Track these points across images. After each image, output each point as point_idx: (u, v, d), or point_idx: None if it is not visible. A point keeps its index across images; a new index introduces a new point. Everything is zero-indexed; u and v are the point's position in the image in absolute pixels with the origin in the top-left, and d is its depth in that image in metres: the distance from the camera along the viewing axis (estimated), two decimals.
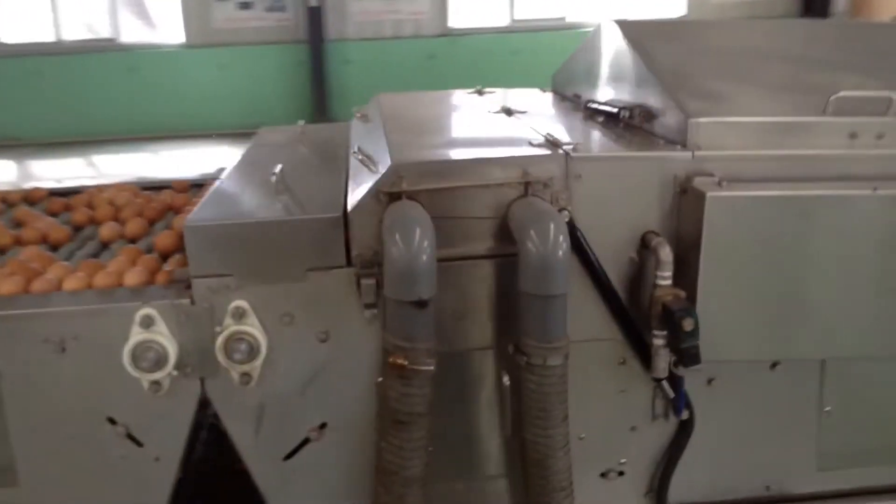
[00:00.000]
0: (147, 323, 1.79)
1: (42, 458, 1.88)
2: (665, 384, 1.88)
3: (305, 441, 1.92)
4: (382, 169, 1.83)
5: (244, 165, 2.41)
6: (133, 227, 2.62)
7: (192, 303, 1.81)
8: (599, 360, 1.92)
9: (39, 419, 1.86)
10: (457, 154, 1.92)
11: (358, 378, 1.89)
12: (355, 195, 1.85)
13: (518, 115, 2.46)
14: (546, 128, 2.13)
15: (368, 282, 1.81)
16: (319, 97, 12.80)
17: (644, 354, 1.88)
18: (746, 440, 2.03)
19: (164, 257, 2.25)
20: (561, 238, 1.66)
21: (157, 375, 1.80)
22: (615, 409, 1.96)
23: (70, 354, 1.81)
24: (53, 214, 2.91)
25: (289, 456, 1.93)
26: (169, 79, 12.51)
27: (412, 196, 1.78)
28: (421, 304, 1.65)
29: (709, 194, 1.71)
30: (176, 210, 2.91)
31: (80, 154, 11.17)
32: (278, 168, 2.07)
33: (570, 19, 12.95)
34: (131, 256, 2.23)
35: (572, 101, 2.76)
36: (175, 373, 1.81)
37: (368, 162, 1.97)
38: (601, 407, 1.96)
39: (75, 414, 1.85)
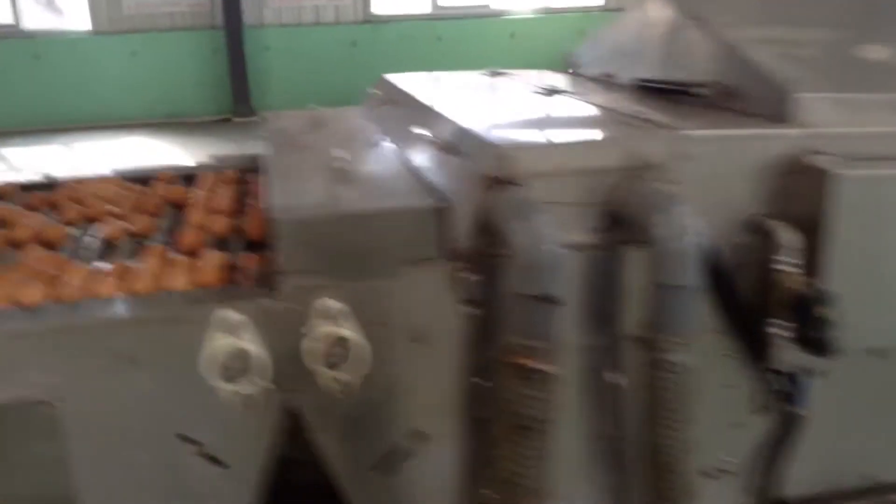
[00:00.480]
0: (229, 328, 1.60)
1: (108, 488, 1.67)
2: (777, 377, 1.79)
3: (397, 450, 1.77)
4: (478, 154, 1.69)
5: (283, 154, 2.22)
6: (140, 223, 2.40)
7: (279, 304, 1.63)
8: (702, 354, 1.83)
9: (106, 444, 1.65)
10: (558, 137, 1.79)
11: (454, 381, 1.74)
12: (446, 182, 1.71)
13: (564, 95, 2.34)
14: (611, 107, 2.03)
15: (466, 276, 1.67)
16: (240, 86, 12.39)
17: (753, 346, 1.79)
18: (853, 431, 1.97)
19: (187, 255, 2.07)
20: (691, 223, 1.56)
21: (241, 386, 1.61)
22: (718, 404, 1.87)
23: (142, 367, 1.60)
24: (34, 210, 2.65)
25: (378, 466, 1.77)
26: (77, 67, 11.90)
27: (515, 182, 1.65)
28: (550, 299, 1.52)
29: (835, 173, 1.63)
30: (177, 204, 2.68)
31: None
32: (340, 154, 1.91)
33: (494, 6, 12.88)
34: (160, 256, 2.03)
35: (602, 80, 2.67)
36: (260, 382, 1.62)
37: (448, 146, 1.82)
38: (703, 402, 1.86)
39: (147, 435, 1.65)
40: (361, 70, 12.55)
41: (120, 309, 1.65)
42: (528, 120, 2.09)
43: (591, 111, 2.06)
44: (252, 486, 1.73)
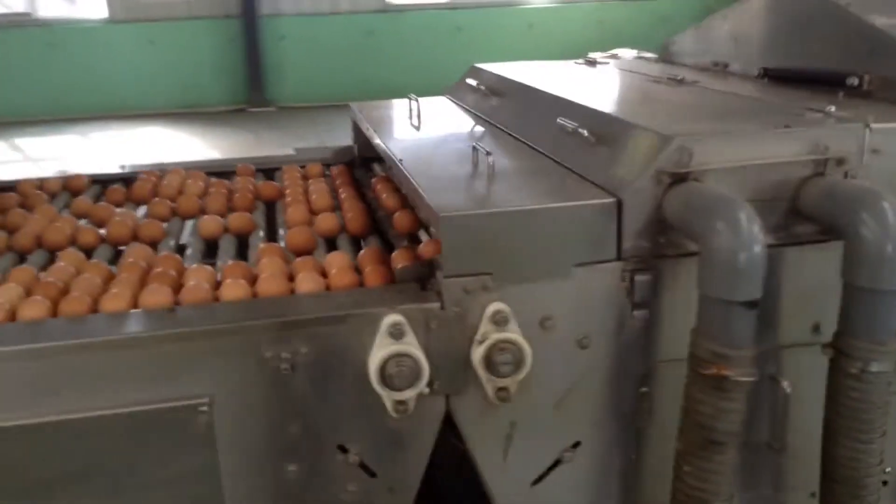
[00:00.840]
0: (397, 333, 1.50)
1: (255, 499, 1.56)
2: None
3: (556, 462, 1.66)
4: (644, 146, 1.58)
5: (407, 147, 2.10)
6: (239, 221, 2.29)
7: (443, 307, 1.53)
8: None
9: (255, 454, 1.54)
10: (739, 128, 1.68)
11: (619, 390, 1.64)
12: (605, 177, 1.60)
13: (691, 85, 2.24)
14: (760, 97, 1.92)
15: (643, 278, 1.56)
16: (254, 75, 12.27)
17: None
18: None
19: (298, 254, 1.96)
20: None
21: (407, 394, 1.51)
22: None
23: (300, 372, 1.50)
24: (117, 205, 2.53)
25: (538, 480, 1.66)
26: (92, 56, 11.76)
27: (698, 177, 1.54)
28: (751, 304, 1.41)
29: None
30: (266, 199, 2.58)
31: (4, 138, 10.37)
32: (479, 146, 1.80)
33: None
34: (279, 255, 1.92)
35: (712, 70, 2.56)
36: (426, 390, 1.52)
37: (604, 138, 1.71)
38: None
39: (301, 444, 1.55)
40: (378, 60, 12.44)
41: (265, 311, 1.54)
42: (685, 110, 1.97)
43: (745, 101, 1.95)
44: (409, 496, 1.62)
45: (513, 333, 1.52)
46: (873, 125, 1.59)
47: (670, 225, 1.54)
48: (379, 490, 1.60)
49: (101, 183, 2.75)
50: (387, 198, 2.16)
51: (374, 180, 2.38)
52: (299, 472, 1.56)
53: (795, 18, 2.21)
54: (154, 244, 2.18)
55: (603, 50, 11.85)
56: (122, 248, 2.11)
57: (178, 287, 1.72)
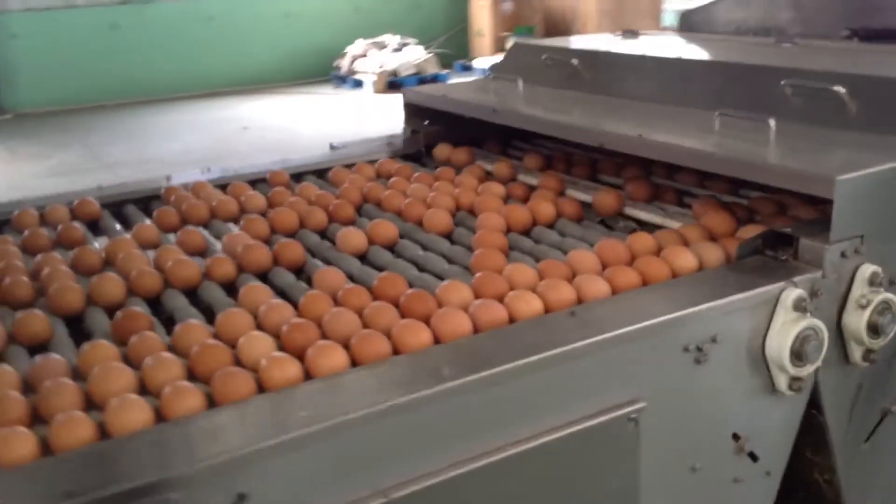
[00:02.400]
0: (802, 306, 1.44)
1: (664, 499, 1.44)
2: None
3: (884, 416, 1.69)
4: None
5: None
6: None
7: (824, 275, 1.49)
8: None
9: (673, 453, 1.42)
10: None
11: None
12: None
13: (797, 47, 2.34)
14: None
15: None
16: None
17: None
18: None
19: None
20: None
21: (810, 369, 1.46)
22: None
23: (708, 362, 1.39)
24: None
25: (869, 437, 1.68)
26: None
27: None
28: None
29: None
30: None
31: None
32: (729, 113, 1.77)
33: None
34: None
35: (760, 35, 2.69)
36: (820, 364, 1.48)
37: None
38: None
39: (701, 438, 1.44)
40: (125, 56, 11.50)
41: (677, 300, 1.41)
42: None
43: None
44: (779, 478, 1.57)
45: (891, 294, 1.52)
46: None
47: None
48: (757, 475, 1.53)
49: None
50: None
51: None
52: (696, 470, 1.46)
53: None
54: None
55: (365, 36, 12.07)
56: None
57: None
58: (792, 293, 1.43)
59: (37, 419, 1.13)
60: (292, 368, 1.20)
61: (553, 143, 2.47)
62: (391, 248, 1.87)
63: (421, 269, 1.72)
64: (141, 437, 1.06)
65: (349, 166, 2.40)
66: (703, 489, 1.48)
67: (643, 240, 1.67)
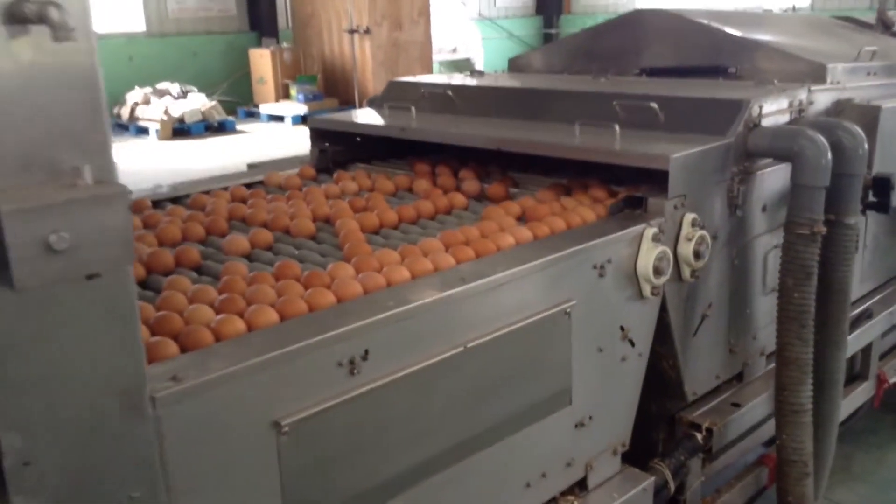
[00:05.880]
0: (658, 238, 2.25)
1: (585, 374, 2.17)
2: None
3: (703, 318, 2.54)
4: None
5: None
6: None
7: (665, 220, 2.31)
8: None
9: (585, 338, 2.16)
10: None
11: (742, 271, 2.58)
12: None
13: (611, 80, 3.24)
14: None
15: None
16: None
17: None
18: None
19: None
20: None
21: (662, 280, 2.27)
22: None
23: (606, 276, 2.16)
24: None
25: (695, 332, 2.52)
26: None
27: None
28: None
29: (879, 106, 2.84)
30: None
31: None
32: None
33: None
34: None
35: (572, 75, 3.59)
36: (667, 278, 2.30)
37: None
38: None
39: (603, 328, 2.19)
40: None
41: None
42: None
43: (693, 83, 3.01)
44: (645, 359, 2.36)
45: (705, 231, 2.38)
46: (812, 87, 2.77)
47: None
48: (635, 356, 2.31)
49: None
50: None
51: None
52: (603, 354, 2.21)
53: (661, 34, 3.33)
54: None
55: (141, 85, 12.18)
56: None
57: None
58: (650, 230, 2.23)
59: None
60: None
61: (431, 157, 3.17)
62: (269, 249, 2.29)
63: (301, 261, 2.14)
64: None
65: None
66: (605, 364, 2.23)
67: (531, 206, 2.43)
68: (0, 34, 1.11)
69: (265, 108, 13.94)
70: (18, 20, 1.10)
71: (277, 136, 12.51)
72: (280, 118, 13.67)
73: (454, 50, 16.80)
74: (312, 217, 2.48)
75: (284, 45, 14.70)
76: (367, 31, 13.56)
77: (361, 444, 1.68)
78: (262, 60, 14.20)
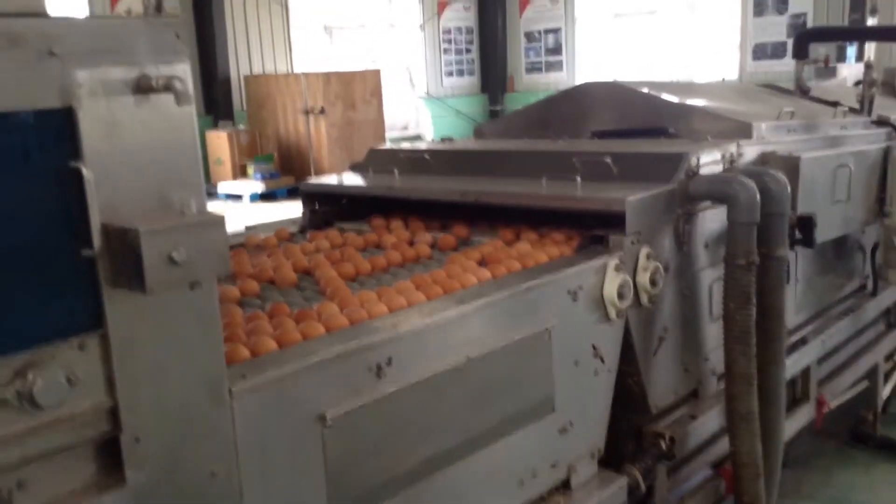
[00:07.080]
0: (620, 268, 2.65)
1: (565, 386, 2.53)
2: None
3: (661, 340, 2.93)
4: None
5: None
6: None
7: (624, 254, 2.72)
8: None
9: (564, 353, 2.52)
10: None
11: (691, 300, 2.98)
12: None
13: (567, 142, 3.69)
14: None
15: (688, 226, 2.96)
16: None
17: None
18: None
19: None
20: None
21: (625, 304, 2.66)
22: None
23: (578, 301, 2.54)
24: None
25: (655, 352, 2.91)
26: None
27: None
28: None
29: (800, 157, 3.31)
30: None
31: None
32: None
33: None
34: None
35: (534, 140, 4.03)
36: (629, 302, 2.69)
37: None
38: None
39: (578, 345, 2.56)
40: None
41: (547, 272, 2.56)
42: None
43: (638, 142, 3.47)
44: (613, 374, 2.72)
45: (658, 262, 2.78)
46: (741, 141, 3.24)
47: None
48: (604, 371, 2.68)
49: None
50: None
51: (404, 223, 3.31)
52: (579, 369, 2.58)
53: (608, 102, 3.80)
54: None
55: None
56: None
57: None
58: (613, 261, 2.63)
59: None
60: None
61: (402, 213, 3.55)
62: (257, 297, 2.52)
63: (290, 305, 2.35)
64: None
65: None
66: (581, 377, 2.59)
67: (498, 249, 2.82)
68: (128, 102, 1.47)
69: (223, 187, 14.29)
70: (144, 90, 1.47)
71: (237, 214, 12.83)
72: (238, 196, 14.02)
73: (405, 127, 17.44)
74: (293, 269, 2.75)
75: (241, 126, 15.14)
76: (322, 112, 14.10)
77: (387, 436, 2.01)
78: (218, 142, 14.59)
